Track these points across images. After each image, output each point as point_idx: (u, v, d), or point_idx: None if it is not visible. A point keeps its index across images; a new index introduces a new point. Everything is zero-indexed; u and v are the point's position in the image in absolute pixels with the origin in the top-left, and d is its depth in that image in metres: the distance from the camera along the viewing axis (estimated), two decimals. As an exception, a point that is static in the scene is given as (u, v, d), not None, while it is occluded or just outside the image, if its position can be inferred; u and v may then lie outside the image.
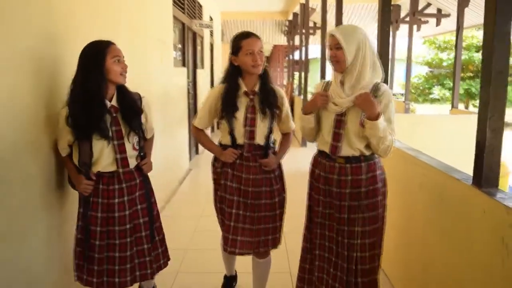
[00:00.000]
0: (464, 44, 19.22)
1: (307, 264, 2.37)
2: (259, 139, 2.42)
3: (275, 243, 2.50)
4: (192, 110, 7.03)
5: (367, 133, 2.07)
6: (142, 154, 2.29)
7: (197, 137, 2.63)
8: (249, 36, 2.35)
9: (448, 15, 8.13)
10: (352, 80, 2.10)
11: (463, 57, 18.41)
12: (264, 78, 2.42)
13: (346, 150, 2.16)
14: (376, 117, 2.01)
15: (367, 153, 2.17)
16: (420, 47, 21.34)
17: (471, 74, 19.09)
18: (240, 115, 2.37)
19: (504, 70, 1.71)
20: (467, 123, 5.42)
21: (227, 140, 2.44)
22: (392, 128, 2.12)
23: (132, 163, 2.21)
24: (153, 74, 4.34)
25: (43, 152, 2.11)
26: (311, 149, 8.19)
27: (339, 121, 2.16)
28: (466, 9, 6.32)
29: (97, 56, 2.03)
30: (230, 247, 2.43)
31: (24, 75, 1.93)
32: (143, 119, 2.27)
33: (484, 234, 1.72)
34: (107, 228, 2.15)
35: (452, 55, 18.87)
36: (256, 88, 2.40)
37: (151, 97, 4.06)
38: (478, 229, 1.78)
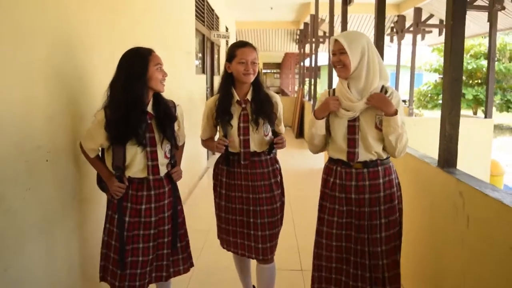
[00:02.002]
0: (472, 52, 19.72)
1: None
2: (255, 146, 2.42)
3: (275, 248, 2.52)
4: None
5: (386, 131, 2.07)
6: (172, 162, 2.29)
7: (205, 146, 2.65)
8: (244, 45, 2.38)
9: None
10: (360, 85, 2.11)
11: (472, 65, 18.89)
12: (256, 85, 2.42)
13: (363, 155, 2.15)
14: (394, 113, 2.04)
15: (384, 156, 2.18)
16: (430, 55, 21.76)
17: (479, 81, 19.44)
18: (234, 123, 2.39)
19: (459, 78, 2.27)
20: (464, 124, 5.93)
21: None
22: (404, 129, 2.12)
23: (163, 170, 2.20)
24: (180, 81, 4.94)
25: (62, 156, 2.13)
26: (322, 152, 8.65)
27: (353, 127, 2.15)
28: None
29: (140, 63, 2.04)
30: (236, 249, 2.51)
31: (40, 82, 1.93)
32: (175, 127, 2.27)
33: (443, 201, 2.26)
34: (132, 233, 2.15)
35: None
36: (249, 97, 2.41)
37: (178, 102, 4.67)
38: (439, 198, 2.33)
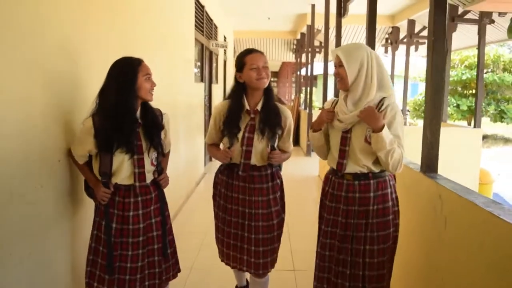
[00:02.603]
0: (467, 62, 19.99)
1: None
2: (256, 160, 2.39)
3: (273, 264, 2.51)
4: (207, 121, 7.77)
5: (374, 147, 2.07)
6: (159, 169, 2.32)
7: (209, 151, 2.60)
8: (252, 51, 2.37)
9: (442, 38, 8.87)
10: (355, 97, 2.12)
11: (466, 76, 19.14)
12: (268, 95, 2.40)
13: (351, 167, 2.17)
14: (380, 129, 2.01)
15: (376, 170, 2.17)
16: (424, 64, 22.00)
17: (474, 92, 19.69)
18: (240, 134, 2.37)
19: (440, 90, 2.45)
20: (451, 133, 6.12)
21: None
22: (400, 143, 2.10)
23: (149, 177, 2.23)
24: (179, 88, 5.12)
25: (55, 161, 2.16)
26: (315, 158, 8.91)
27: (345, 138, 2.17)
28: (454, 34, 7.04)
29: (130, 73, 2.08)
30: (231, 262, 2.51)
31: (37, 87, 1.96)
32: (162, 135, 2.30)
33: (425, 204, 2.43)
34: (120, 239, 2.17)
35: (454, 72, 19.70)
36: (259, 107, 2.38)
37: (177, 108, 4.90)
38: (422, 201, 2.50)
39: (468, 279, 1.98)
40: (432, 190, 2.33)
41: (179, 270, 2.46)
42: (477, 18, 6.37)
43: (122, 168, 2.14)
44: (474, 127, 6.19)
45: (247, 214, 2.40)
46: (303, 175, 7.41)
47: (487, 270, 1.82)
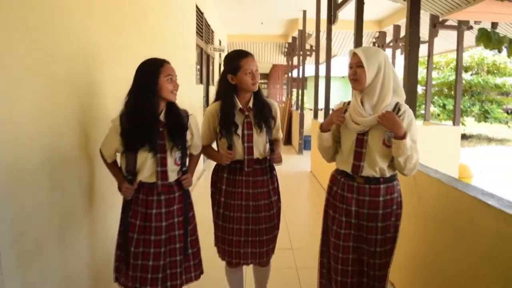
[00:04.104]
0: (452, 65, 20.51)
1: None
2: (258, 153, 2.45)
3: (273, 250, 2.60)
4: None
5: (394, 153, 2.06)
6: (184, 169, 2.31)
7: (205, 153, 2.57)
8: (246, 55, 2.38)
9: (426, 42, 9.41)
10: (373, 99, 2.11)
11: (452, 77, 19.58)
12: (257, 93, 2.45)
13: (367, 170, 2.16)
14: (403, 136, 2.01)
15: (387, 174, 2.17)
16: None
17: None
18: (239, 132, 2.40)
19: (414, 91, 2.93)
20: (431, 131, 6.63)
21: None
22: (416, 147, 2.10)
23: (172, 177, 2.23)
24: (183, 90, 5.54)
25: (80, 161, 2.27)
26: (307, 156, 9.32)
27: (361, 140, 2.15)
28: (435, 38, 7.57)
29: (151, 74, 2.11)
30: (235, 259, 2.49)
31: (60, 92, 2.02)
32: (188, 136, 2.30)
33: (404, 185, 2.88)
34: (143, 236, 2.18)
35: (441, 74, 20.32)
36: (250, 104, 2.44)
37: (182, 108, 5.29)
38: (402, 183, 2.95)
39: (438, 246, 2.46)
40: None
41: (202, 272, 2.44)
42: (456, 25, 6.91)
43: (145, 166, 2.16)
44: (453, 124, 6.68)
45: (251, 207, 2.45)
46: (296, 171, 7.87)
47: (453, 234, 2.29)
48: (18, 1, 1.70)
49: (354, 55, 2.12)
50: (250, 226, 2.45)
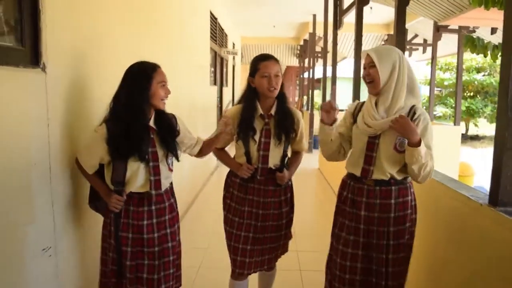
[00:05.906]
0: (464, 66, 20.55)
1: None
2: (272, 163, 2.37)
3: (279, 257, 2.59)
4: (219, 120, 8.57)
5: (408, 160, 1.97)
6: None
7: (217, 155, 2.57)
8: (267, 58, 2.31)
9: (431, 45, 9.68)
10: (387, 101, 2.01)
11: (464, 78, 19.72)
12: (281, 100, 2.37)
13: (377, 174, 2.07)
14: (417, 143, 1.91)
15: (398, 178, 2.07)
16: (425, 68, 22.68)
17: (471, 94, 20.34)
18: (256, 138, 2.33)
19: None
20: (435, 131, 6.89)
21: (242, 161, 2.40)
22: (431, 154, 2.00)
23: (165, 184, 2.14)
24: (199, 91, 5.99)
25: (65, 171, 2.09)
26: (316, 155, 9.60)
27: (372, 144, 2.07)
28: (439, 42, 7.87)
29: (144, 78, 1.98)
30: (239, 269, 2.42)
31: (46, 96, 1.89)
32: (182, 138, 2.25)
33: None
34: (136, 249, 2.09)
35: (453, 75, 20.35)
36: (272, 111, 2.35)
37: (196, 109, 5.73)
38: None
39: (429, 239, 2.57)
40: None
41: (180, 284, 2.34)
42: (457, 29, 7.21)
43: (137, 176, 2.04)
44: (454, 124, 6.95)
45: (260, 216, 2.39)
46: (305, 168, 8.21)
47: (443, 224, 2.43)
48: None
49: (367, 56, 2.06)
50: (257, 235, 2.40)
